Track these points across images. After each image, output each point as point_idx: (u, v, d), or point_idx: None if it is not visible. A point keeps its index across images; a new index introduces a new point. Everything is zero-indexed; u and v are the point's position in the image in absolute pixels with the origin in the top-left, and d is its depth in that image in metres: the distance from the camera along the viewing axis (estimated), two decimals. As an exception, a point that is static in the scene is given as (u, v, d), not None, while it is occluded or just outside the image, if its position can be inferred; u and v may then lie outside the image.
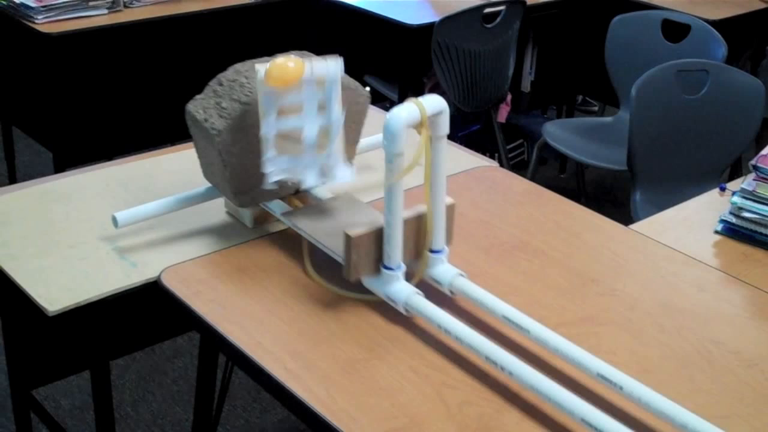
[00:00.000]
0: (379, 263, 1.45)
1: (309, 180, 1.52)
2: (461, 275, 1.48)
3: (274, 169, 1.50)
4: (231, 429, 2.47)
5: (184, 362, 2.72)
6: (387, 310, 1.47)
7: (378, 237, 1.44)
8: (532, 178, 2.31)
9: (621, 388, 1.23)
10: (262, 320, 1.43)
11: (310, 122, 1.49)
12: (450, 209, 1.50)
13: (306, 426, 1.30)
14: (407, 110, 1.35)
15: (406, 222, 1.44)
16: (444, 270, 1.49)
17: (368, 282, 1.48)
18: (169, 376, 2.66)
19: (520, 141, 4.10)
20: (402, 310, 1.43)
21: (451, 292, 1.47)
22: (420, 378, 1.32)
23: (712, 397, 1.32)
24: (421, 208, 1.47)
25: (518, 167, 3.99)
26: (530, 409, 1.26)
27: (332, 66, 1.48)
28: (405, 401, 1.27)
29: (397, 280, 1.44)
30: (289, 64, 1.45)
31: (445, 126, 1.40)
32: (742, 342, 1.45)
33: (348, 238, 1.41)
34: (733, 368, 1.38)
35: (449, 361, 1.36)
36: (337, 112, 1.50)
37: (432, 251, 1.48)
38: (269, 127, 1.48)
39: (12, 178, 3.53)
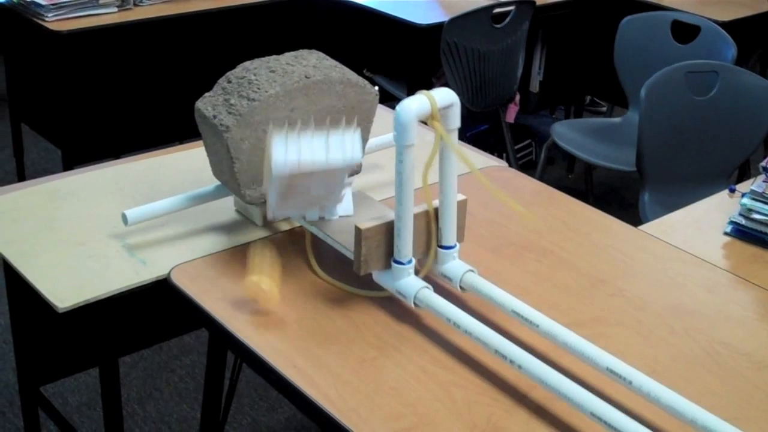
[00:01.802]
0: (389, 258, 1.45)
1: (309, 216, 1.59)
2: (471, 271, 1.47)
3: (276, 210, 1.53)
4: (238, 427, 2.48)
5: (192, 360, 2.72)
6: (396, 308, 1.47)
7: (388, 230, 1.43)
8: (540, 178, 2.31)
9: (630, 382, 1.22)
10: (271, 318, 1.43)
11: (317, 188, 1.52)
12: (461, 205, 1.50)
13: (314, 424, 1.30)
14: (417, 102, 1.33)
15: (417, 216, 1.43)
16: (454, 266, 1.48)
17: (378, 276, 1.48)
18: (177, 373, 2.67)
19: (528, 141, 4.09)
20: (411, 304, 1.42)
21: (461, 288, 1.47)
22: (429, 377, 1.32)
23: (721, 399, 1.31)
24: (433, 202, 1.46)
25: (526, 167, 3.98)
26: (539, 410, 1.26)
27: (348, 152, 1.46)
28: (414, 400, 1.27)
29: (407, 274, 1.44)
30: (263, 287, 1.44)
31: (456, 119, 1.39)
32: (751, 344, 1.44)
33: (359, 231, 1.41)
34: (742, 370, 1.38)
35: (458, 360, 1.36)
36: (346, 183, 1.54)
37: (443, 247, 1.48)
38: (275, 198, 1.49)
39: (21, 176, 3.54)
